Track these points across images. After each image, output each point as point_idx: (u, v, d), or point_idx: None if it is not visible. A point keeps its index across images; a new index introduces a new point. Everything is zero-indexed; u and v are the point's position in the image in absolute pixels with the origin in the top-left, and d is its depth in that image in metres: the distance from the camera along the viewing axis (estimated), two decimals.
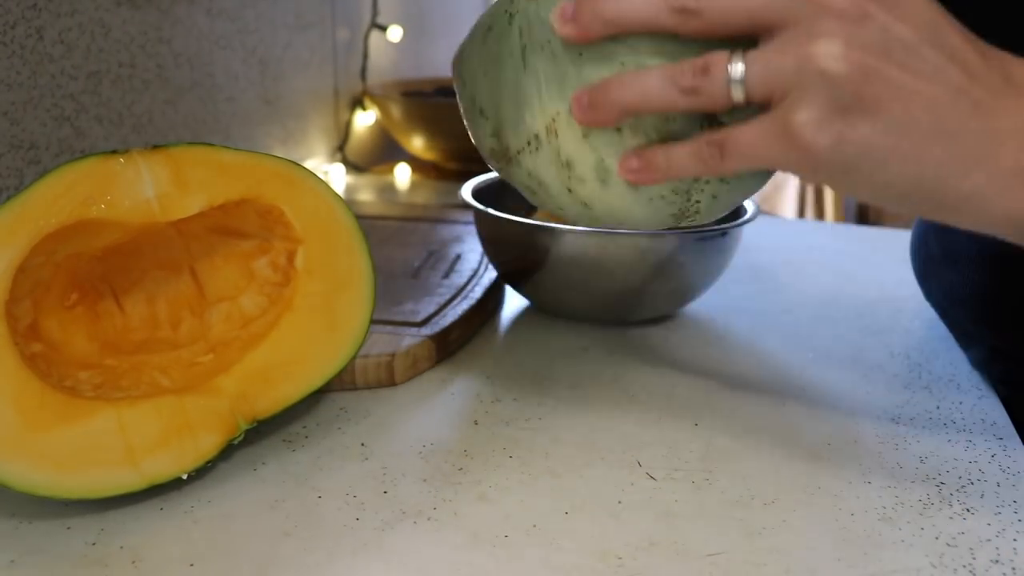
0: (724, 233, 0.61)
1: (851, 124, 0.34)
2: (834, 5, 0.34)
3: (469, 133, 0.47)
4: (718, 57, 0.36)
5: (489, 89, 0.43)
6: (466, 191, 0.66)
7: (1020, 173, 0.34)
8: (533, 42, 0.41)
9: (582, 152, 0.41)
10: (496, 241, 0.64)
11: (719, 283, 0.66)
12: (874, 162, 0.35)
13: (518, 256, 0.62)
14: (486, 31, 0.44)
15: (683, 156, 0.38)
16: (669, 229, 0.47)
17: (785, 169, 0.36)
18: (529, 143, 0.42)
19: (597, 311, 0.63)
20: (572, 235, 0.59)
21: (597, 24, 0.37)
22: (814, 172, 0.36)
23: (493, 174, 0.72)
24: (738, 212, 0.65)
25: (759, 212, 0.64)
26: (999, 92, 0.35)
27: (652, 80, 0.37)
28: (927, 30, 0.35)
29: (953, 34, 0.35)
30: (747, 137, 0.36)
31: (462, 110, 0.47)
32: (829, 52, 0.34)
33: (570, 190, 0.43)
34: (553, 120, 0.41)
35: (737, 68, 0.35)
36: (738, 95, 0.36)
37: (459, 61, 0.46)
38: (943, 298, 0.63)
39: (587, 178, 0.42)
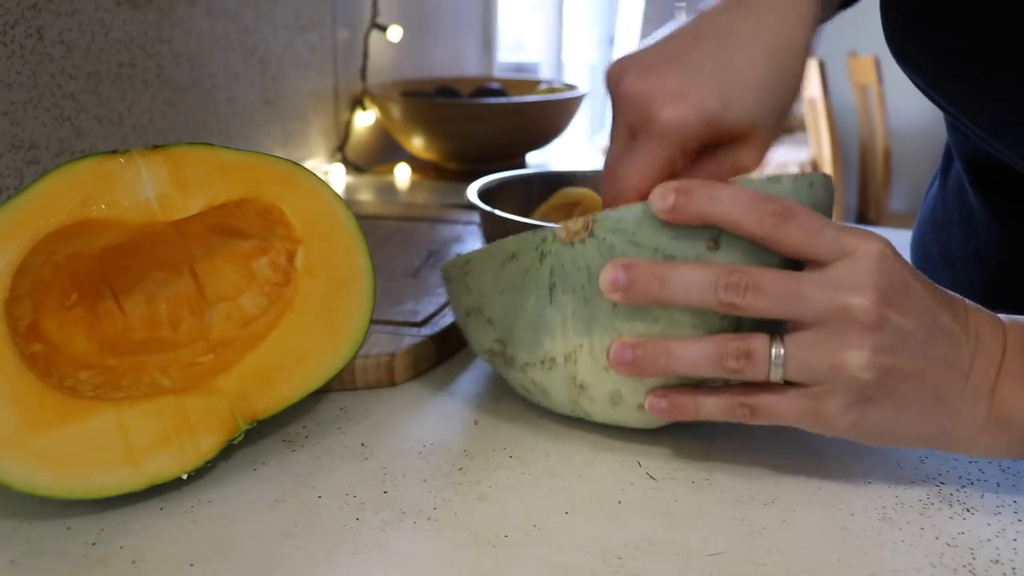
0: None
1: (870, 408, 0.40)
2: (859, 317, 0.39)
3: (460, 326, 0.50)
4: (759, 343, 0.40)
5: (504, 308, 0.45)
6: (472, 192, 0.66)
7: (989, 423, 0.41)
8: (565, 282, 0.43)
9: (600, 380, 0.44)
10: None
11: None
12: (885, 430, 0.41)
13: None
14: (509, 257, 0.45)
15: (714, 408, 0.43)
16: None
17: (807, 429, 0.42)
18: (543, 362, 0.45)
19: None
20: None
21: (647, 300, 0.41)
22: (834, 435, 0.42)
23: (496, 175, 0.72)
24: None
25: None
26: (973, 353, 0.41)
27: (699, 357, 0.41)
28: (928, 318, 0.40)
29: (942, 312, 0.41)
30: (780, 407, 0.41)
31: (459, 310, 0.49)
32: (858, 363, 0.39)
33: (575, 402, 0.46)
34: (575, 351, 0.43)
35: (778, 356, 0.40)
36: (777, 377, 0.40)
37: (463, 269, 0.47)
38: None
39: (598, 399, 0.45)
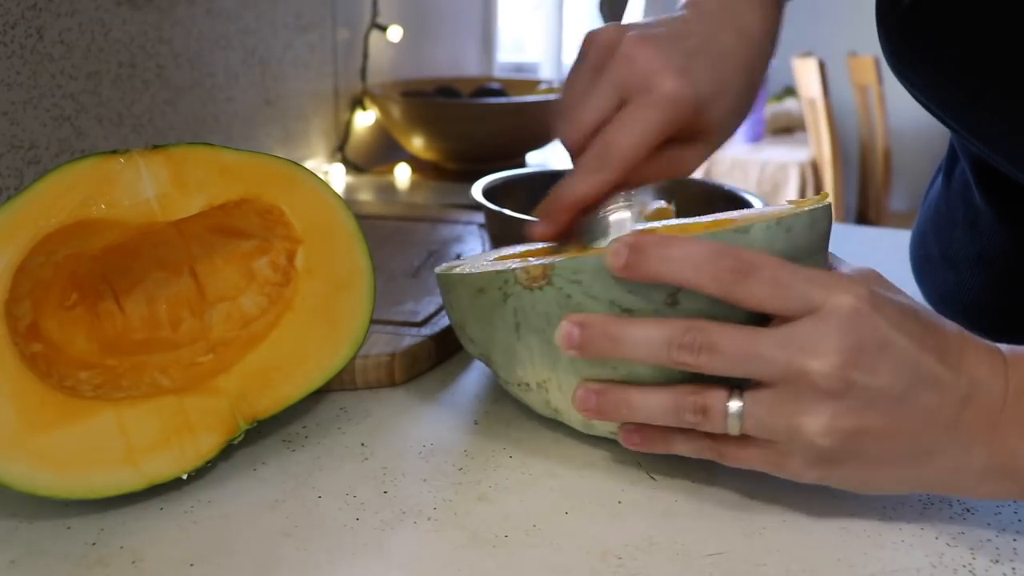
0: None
1: (835, 468, 0.39)
2: (818, 383, 0.37)
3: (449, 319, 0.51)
4: (716, 399, 0.39)
5: (480, 332, 0.46)
6: (476, 191, 0.66)
7: (990, 471, 0.38)
8: (528, 323, 0.43)
9: (571, 409, 0.44)
10: (509, 240, 0.64)
11: None
12: (862, 483, 0.40)
13: None
14: (477, 291, 0.45)
15: (684, 447, 0.42)
16: None
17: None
18: (519, 385, 0.46)
19: None
20: None
21: (601, 356, 0.40)
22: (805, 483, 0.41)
23: (499, 174, 0.72)
24: None
25: None
26: (964, 400, 0.38)
27: (657, 408, 0.40)
28: (907, 371, 0.37)
29: (928, 359, 0.37)
30: (745, 456, 0.40)
31: (448, 310, 0.49)
32: (814, 430, 0.37)
33: (554, 418, 0.47)
34: (545, 381, 0.44)
35: (735, 412, 0.39)
36: (734, 431, 0.39)
37: (446, 287, 0.48)
38: (940, 299, 0.63)
39: (573, 421, 0.45)
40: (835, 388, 0.37)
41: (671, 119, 0.47)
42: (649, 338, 0.39)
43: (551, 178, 0.74)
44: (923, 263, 0.67)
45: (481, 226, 0.80)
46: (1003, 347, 0.40)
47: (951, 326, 0.40)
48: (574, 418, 0.45)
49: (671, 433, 0.42)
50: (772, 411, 0.38)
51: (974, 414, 0.38)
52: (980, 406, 0.38)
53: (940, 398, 0.38)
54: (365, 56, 1.16)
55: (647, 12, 2.93)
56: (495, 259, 0.50)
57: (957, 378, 0.38)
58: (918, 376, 0.37)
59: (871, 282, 0.39)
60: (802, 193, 2.97)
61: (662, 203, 0.69)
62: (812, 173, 2.95)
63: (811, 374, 0.37)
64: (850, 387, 0.37)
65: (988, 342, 0.40)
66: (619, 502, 0.42)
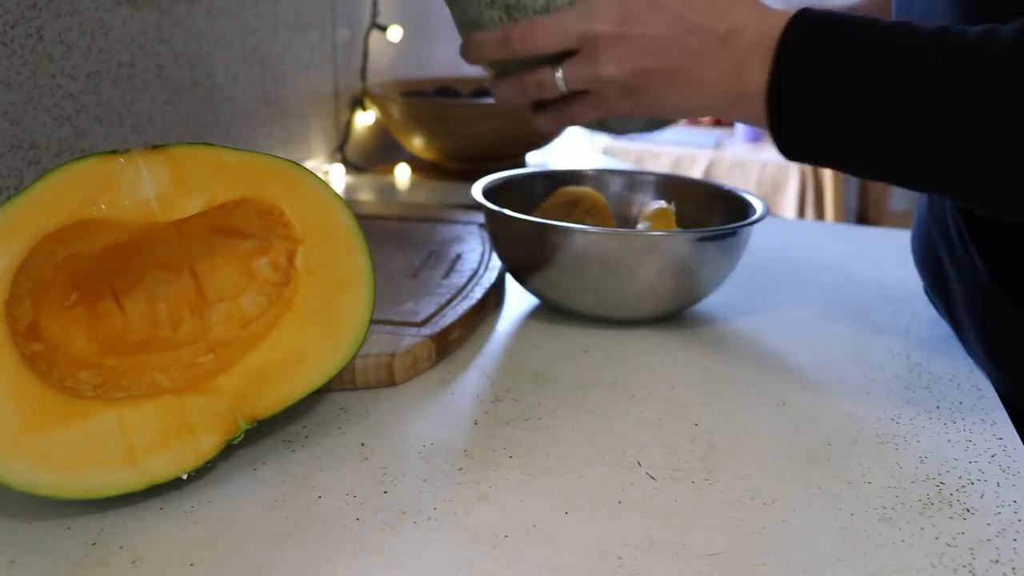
0: (736, 232, 0.61)
1: (639, 97, 0.55)
2: (605, 40, 0.53)
3: None
4: (544, 72, 0.57)
5: None
6: (476, 191, 0.67)
7: (738, 98, 0.53)
8: None
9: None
10: (510, 240, 0.64)
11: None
12: (657, 107, 0.56)
13: (532, 255, 0.62)
14: None
15: (546, 118, 0.61)
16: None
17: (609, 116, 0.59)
18: None
19: (609, 310, 0.63)
20: (591, 235, 0.59)
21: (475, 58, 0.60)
22: (629, 115, 0.58)
23: (498, 174, 0.72)
24: (747, 211, 0.65)
25: (768, 211, 0.64)
26: (722, 42, 0.52)
27: (512, 91, 0.59)
28: (672, 23, 0.53)
29: (690, 11, 0.53)
30: (581, 108, 0.58)
31: None
32: (610, 71, 0.54)
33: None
34: None
35: (558, 78, 0.56)
36: (563, 87, 0.57)
37: None
38: (944, 294, 0.63)
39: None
40: (616, 40, 0.53)
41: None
42: (493, 41, 0.57)
43: (550, 178, 0.75)
44: (927, 258, 0.67)
45: (481, 226, 0.80)
46: (772, 7, 0.53)
47: None
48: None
49: (539, 113, 0.60)
50: (581, 67, 0.55)
51: (729, 54, 0.52)
52: (734, 47, 0.52)
53: (700, 41, 0.52)
54: (365, 56, 1.16)
55: None
56: None
57: (715, 25, 0.52)
58: (681, 26, 0.52)
59: None
60: (802, 194, 2.97)
61: (662, 203, 0.69)
62: (812, 173, 2.95)
63: (598, 34, 0.53)
64: (626, 38, 0.53)
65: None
66: (619, 502, 0.42)
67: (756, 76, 0.51)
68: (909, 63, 0.47)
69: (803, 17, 0.51)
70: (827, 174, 2.89)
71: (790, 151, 0.52)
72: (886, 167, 0.51)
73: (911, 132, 0.48)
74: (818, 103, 0.49)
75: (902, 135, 0.48)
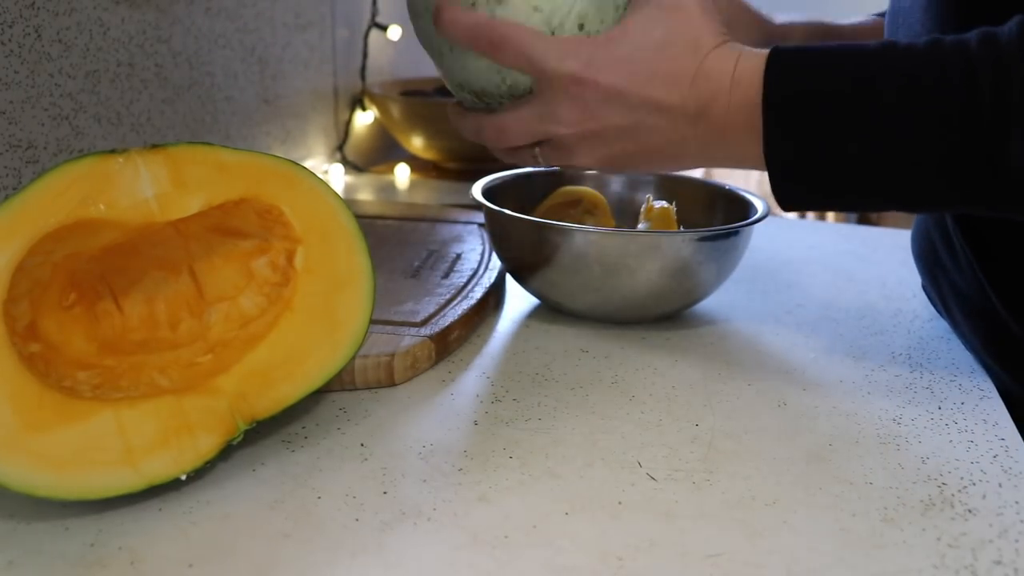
0: (737, 232, 0.61)
1: (613, 165, 0.53)
2: (572, 140, 0.51)
3: None
4: (524, 151, 0.55)
5: None
6: (476, 190, 0.66)
7: (728, 161, 0.51)
8: None
9: None
10: (510, 240, 0.64)
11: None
12: (636, 172, 0.64)
13: (532, 255, 0.62)
14: None
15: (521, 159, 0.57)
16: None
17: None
18: None
19: (610, 310, 0.63)
20: (591, 235, 0.59)
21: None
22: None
23: (498, 174, 0.72)
24: (747, 211, 0.65)
25: (769, 211, 0.64)
26: (696, 117, 0.49)
27: (474, 132, 0.56)
28: (634, 110, 0.49)
29: (653, 91, 0.49)
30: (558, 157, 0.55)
31: None
32: (584, 161, 0.53)
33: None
34: None
35: (537, 154, 0.54)
36: (543, 164, 0.55)
37: None
38: (947, 290, 0.63)
39: None
40: (580, 137, 0.51)
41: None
42: (468, 129, 0.55)
43: (549, 177, 0.74)
44: (926, 256, 0.67)
45: (481, 226, 0.80)
46: (744, 53, 0.49)
47: (689, 40, 0.49)
48: None
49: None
50: (556, 154, 0.53)
51: (706, 125, 0.49)
52: (710, 119, 0.49)
53: (670, 121, 0.49)
54: (365, 55, 1.16)
55: None
56: None
57: (685, 103, 0.49)
58: (646, 109, 0.49)
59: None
60: None
61: (664, 203, 0.69)
62: None
63: (563, 136, 0.51)
64: (591, 135, 0.50)
65: (735, 49, 0.49)
66: (619, 502, 0.42)
67: (744, 140, 0.48)
68: (910, 88, 0.44)
69: (778, 64, 0.47)
70: None
71: (794, 205, 0.49)
72: (902, 199, 0.48)
73: (927, 158, 0.45)
74: (821, 154, 0.46)
75: (918, 163, 0.45)
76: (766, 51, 0.48)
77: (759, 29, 0.68)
